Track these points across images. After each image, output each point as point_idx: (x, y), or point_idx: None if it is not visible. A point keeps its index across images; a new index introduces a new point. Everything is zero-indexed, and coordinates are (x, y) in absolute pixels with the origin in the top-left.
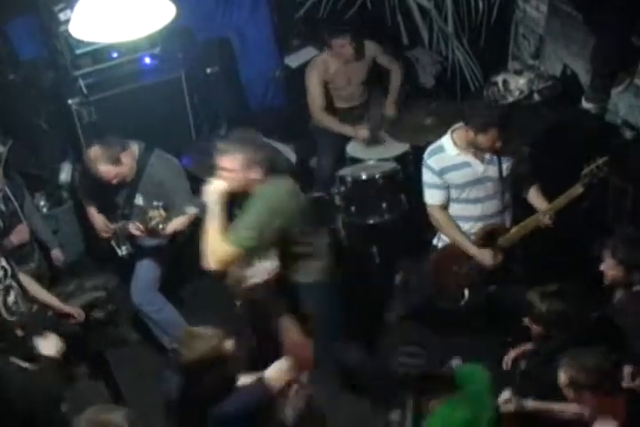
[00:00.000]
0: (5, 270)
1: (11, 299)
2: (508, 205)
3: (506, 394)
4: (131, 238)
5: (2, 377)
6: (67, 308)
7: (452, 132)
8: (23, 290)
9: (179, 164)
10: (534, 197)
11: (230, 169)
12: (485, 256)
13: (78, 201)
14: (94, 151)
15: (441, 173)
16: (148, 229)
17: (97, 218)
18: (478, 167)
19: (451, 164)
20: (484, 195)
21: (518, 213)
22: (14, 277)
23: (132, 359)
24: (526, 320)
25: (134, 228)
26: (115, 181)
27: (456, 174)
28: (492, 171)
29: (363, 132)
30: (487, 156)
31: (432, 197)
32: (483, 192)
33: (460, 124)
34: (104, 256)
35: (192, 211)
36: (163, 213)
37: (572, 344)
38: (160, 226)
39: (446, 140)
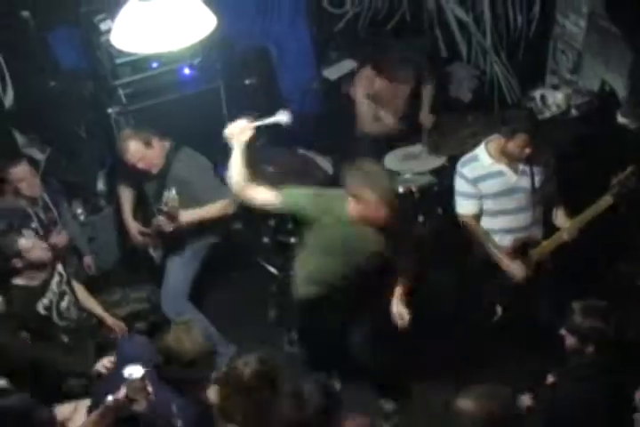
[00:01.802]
0: (61, 276)
1: (64, 304)
2: (539, 218)
3: None
4: (162, 239)
5: None
6: (110, 319)
7: (487, 143)
8: (76, 298)
9: (207, 161)
10: (557, 216)
11: None
12: (516, 269)
13: (115, 208)
14: (127, 131)
15: (475, 181)
16: (166, 213)
17: (131, 223)
18: (511, 177)
19: (485, 172)
20: (516, 206)
21: (550, 228)
22: (69, 283)
23: None
24: (563, 331)
25: (160, 220)
26: (141, 165)
27: (489, 183)
28: (525, 182)
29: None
30: (521, 166)
31: (464, 206)
32: (515, 203)
33: (495, 135)
34: (140, 263)
35: (219, 202)
36: (176, 204)
37: (602, 365)
38: (175, 210)
39: (480, 151)
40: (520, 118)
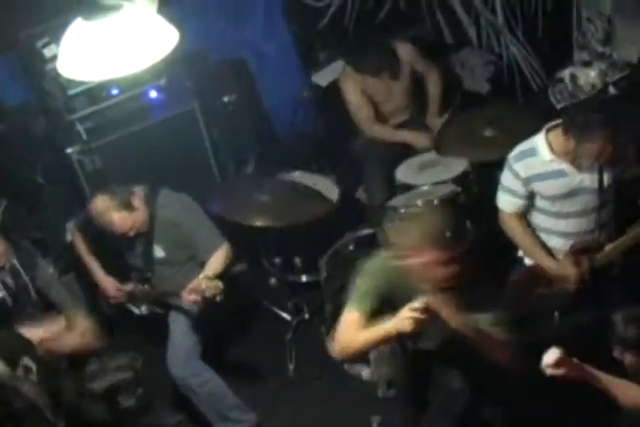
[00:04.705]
0: (28, 369)
1: None
2: (605, 222)
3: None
4: (159, 301)
5: None
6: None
7: (548, 132)
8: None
9: (190, 199)
10: None
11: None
12: (566, 270)
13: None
14: (101, 201)
15: (528, 181)
16: (201, 298)
17: (106, 282)
18: (575, 177)
19: (542, 171)
20: (578, 209)
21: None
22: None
23: None
24: (616, 352)
25: (189, 299)
26: (131, 233)
27: (547, 184)
28: (591, 181)
29: (423, 139)
30: (587, 162)
31: (507, 203)
32: (577, 206)
33: (557, 121)
34: (122, 324)
35: (221, 249)
36: (220, 284)
37: None
38: (217, 298)
39: (540, 142)
40: (594, 116)
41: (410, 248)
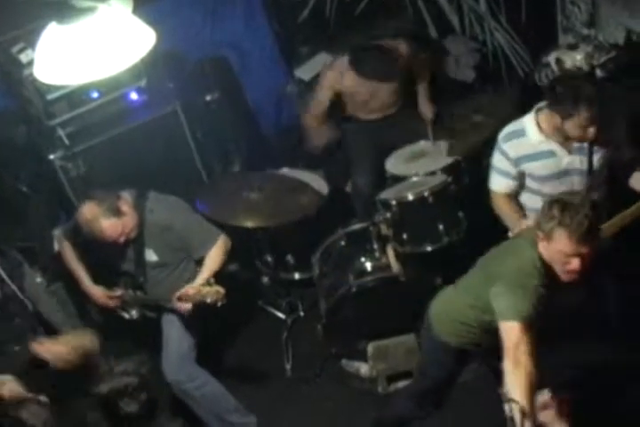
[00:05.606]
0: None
1: None
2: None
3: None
4: (150, 305)
5: None
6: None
7: (537, 112)
8: None
9: (179, 200)
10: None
11: None
12: None
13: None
14: (89, 208)
15: (517, 162)
16: (197, 303)
17: (94, 290)
18: (564, 158)
19: (531, 152)
20: (568, 190)
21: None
22: None
23: None
24: None
25: (181, 308)
26: (122, 239)
27: (536, 165)
28: (580, 162)
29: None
30: (576, 144)
31: (497, 183)
32: (566, 187)
33: (546, 102)
34: (114, 327)
35: (218, 242)
36: (220, 289)
37: None
38: (219, 303)
39: (529, 123)
40: (579, 88)
41: (556, 234)
